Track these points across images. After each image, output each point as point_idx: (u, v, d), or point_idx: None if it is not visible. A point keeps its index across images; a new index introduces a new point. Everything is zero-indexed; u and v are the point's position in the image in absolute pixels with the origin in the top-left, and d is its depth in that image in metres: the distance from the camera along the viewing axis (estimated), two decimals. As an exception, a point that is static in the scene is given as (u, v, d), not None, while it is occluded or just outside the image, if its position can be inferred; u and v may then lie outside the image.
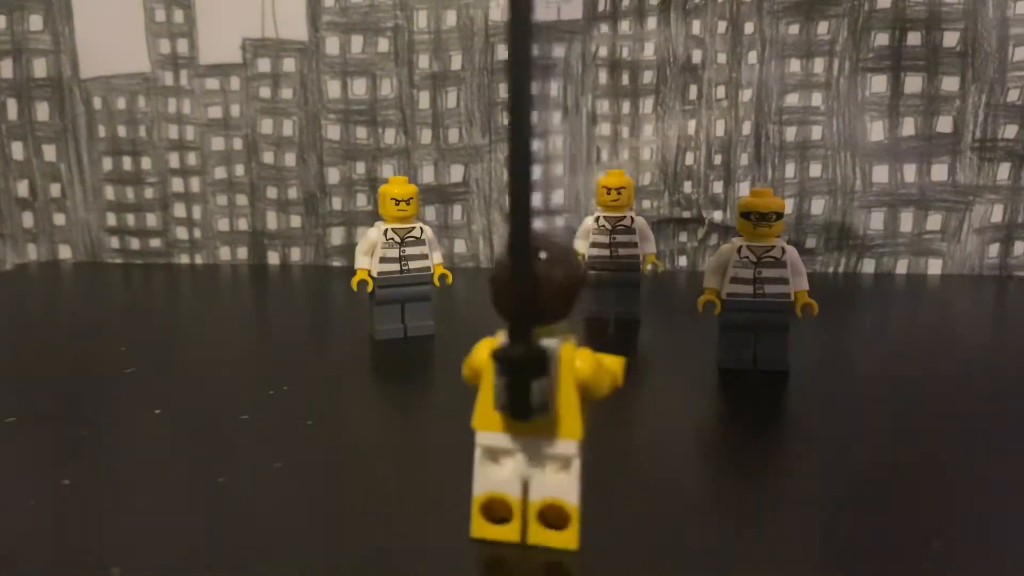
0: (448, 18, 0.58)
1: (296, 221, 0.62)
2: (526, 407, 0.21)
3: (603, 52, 0.58)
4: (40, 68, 0.61)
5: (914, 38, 0.55)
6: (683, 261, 0.60)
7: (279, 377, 0.37)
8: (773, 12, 0.56)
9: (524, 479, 0.23)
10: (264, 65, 0.60)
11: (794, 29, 0.56)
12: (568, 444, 0.22)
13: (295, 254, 0.63)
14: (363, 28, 0.59)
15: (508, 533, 0.23)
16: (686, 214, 0.59)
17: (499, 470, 0.23)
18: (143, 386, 0.36)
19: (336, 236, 0.62)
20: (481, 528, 0.23)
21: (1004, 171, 0.56)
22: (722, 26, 0.57)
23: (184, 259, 0.63)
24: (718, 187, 0.59)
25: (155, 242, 0.63)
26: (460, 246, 0.61)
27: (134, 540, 0.24)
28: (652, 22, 0.57)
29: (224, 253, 0.63)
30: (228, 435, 0.31)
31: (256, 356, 0.42)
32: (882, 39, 0.56)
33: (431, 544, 0.24)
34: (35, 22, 0.60)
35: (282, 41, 0.60)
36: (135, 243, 0.63)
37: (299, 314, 0.51)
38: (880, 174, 0.57)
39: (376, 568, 0.23)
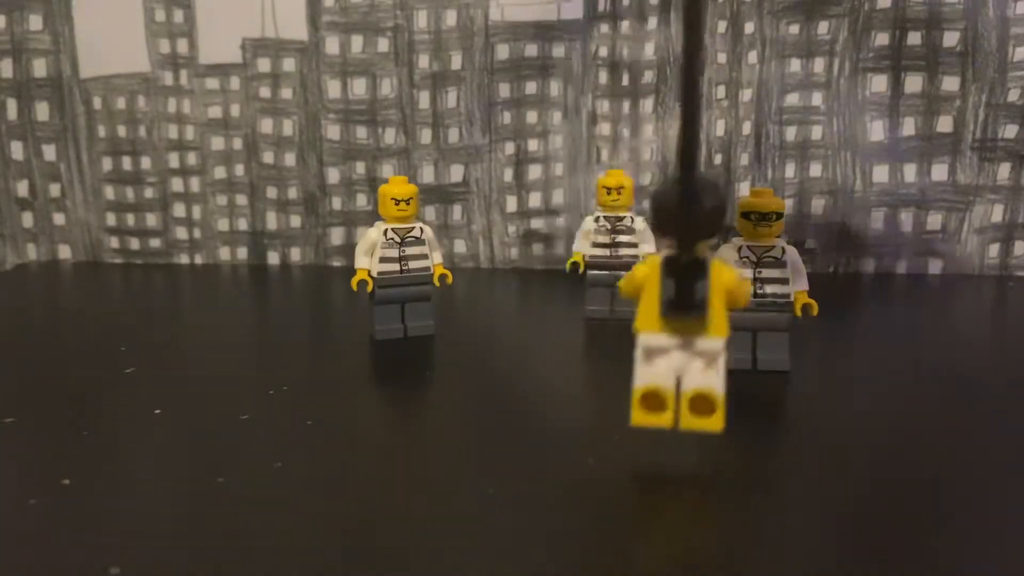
0: (448, 18, 0.58)
1: (296, 221, 0.62)
2: (691, 303, 0.26)
3: (603, 52, 0.58)
4: (40, 68, 0.61)
5: (914, 38, 0.56)
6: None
7: (279, 377, 0.37)
8: (773, 12, 0.56)
9: (678, 373, 0.27)
10: (264, 65, 0.60)
11: (794, 29, 0.56)
12: (716, 342, 0.27)
13: (295, 254, 0.63)
14: (363, 28, 0.59)
15: (663, 420, 0.27)
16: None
17: (657, 366, 0.27)
18: (143, 386, 0.36)
19: (336, 236, 0.62)
20: (640, 417, 0.28)
21: (1004, 171, 0.56)
22: (722, 26, 0.57)
23: (184, 259, 0.63)
24: (718, 187, 0.59)
25: (155, 242, 0.63)
26: (460, 246, 0.61)
27: (134, 540, 0.24)
28: (652, 22, 0.57)
29: (224, 253, 0.63)
30: (228, 435, 0.31)
31: (256, 356, 0.42)
32: (882, 39, 0.56)
33: (433, 544, 0.24)
34: (35, 22, 0.60)
35: (282, 41, 0.60)
36: (135, 243, 0.63)
37: (299, 314, 0.51)
38: (880, 174, 0.57)
39: (377, 568, 0.23)
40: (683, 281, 0.26)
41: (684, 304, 0.26)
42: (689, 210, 0.25)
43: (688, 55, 0.25)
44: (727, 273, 0.27)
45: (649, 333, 0.27)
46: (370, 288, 0.42)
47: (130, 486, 0.27)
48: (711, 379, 0.27)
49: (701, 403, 0.27)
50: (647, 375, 0.27)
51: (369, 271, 0.42)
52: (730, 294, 0.27)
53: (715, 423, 0.27)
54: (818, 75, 0.57)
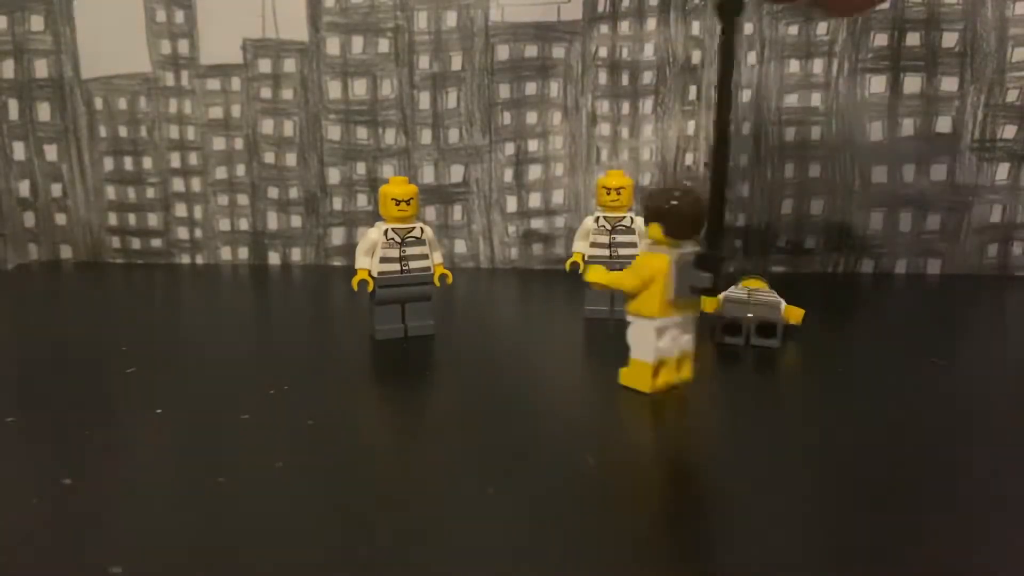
0: (448, 19, 0.58)
1: (297, 221, 0.62)
2: (717, 288, 0.33)
3: (603, 52, 0.58)
4: (41, 68, 0.61)
5: (913, 39, 0.56)
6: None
7: (279, 377, 0.37)
8: (773, 13, 0.56)
9: (673, 343, 0.34)
10: (265, 65, 0.60)
11: (793, 30, 0.56)
12: (693, 315, 0.35)
13: (296, 254, 0.63)
14: (364, 29, 0.59)
15: (666, 379, 0.35)
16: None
17: (663, 342, 0.34)
18: (144, 386, 0.36)
19: (336, 236, 0.62)
20: (652, 384, 0.34)
21: (1003, 171, 0.56)
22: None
23: (185, 259, 0.64)
24: (718, 187, 0.59)
25: (156, 242, 0.63)
26: (460, 246, 0.61)
27: (134, 540, 0.24)
28: (652, 23, 0.57)
29: (225, 253, 0.63)
30: (228, 435, 0.31)
31: (256, 356, 0.42)
32: (881, 40, 0.56)
33: (433, 543, 0.24)
34: (36, 23, 0.61)
35: (283, 42, 0.60)
36: (136, 243, 0.64)
37: (299, 314, 0.51)
38: (879, 174, 0.57)
39: (377, 567, 0.23)
40: (717, 271, 0.32)
41: (717, 287, 0.33)
42: (719, 215, 0.32)
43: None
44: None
45: (661, 317, 0.33)
46: (371, 288, 0.42)
47: (130, 486, 0.27)
48: (691, 341, 0.35)
49: (686, 360, 0.35)
50: (659, 350, 0.34)
51: (369, 271, 0.42)
52: None
53: (687, 372, 0.35)
54: (817, 76, 0.57)
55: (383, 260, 0.42)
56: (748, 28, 0.57)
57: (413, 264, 0.42)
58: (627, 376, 0.35)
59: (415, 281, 0.42)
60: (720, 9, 0.32)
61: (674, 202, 0.33)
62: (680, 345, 0.35)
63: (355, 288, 0.41)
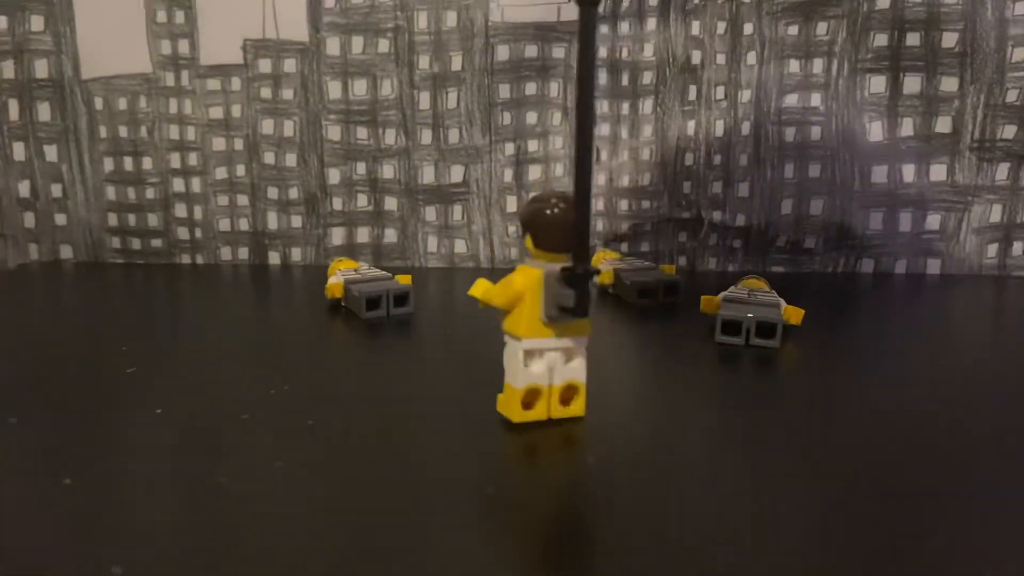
0: (448, 19, 0.58)
1: (297, 221, 0.62)
2: (587, 306, 0.29)
3: (603, 53, 0.58)
4: (41, 69, 0.61)
5: (913, 39, 0.56)
6: (682, 261, 0.60)
7: (279, 377, 0.37)
8: (772, 13, 0.56)
9: (551, 370, 0.30)
10: (265, 66, 0.60)
11: (793, 30, 0.56)
12: (583, 339, 0.31)
13: (296, 254, 0.63)
14: (364, 29, 0.59)
15: (539, 413, 0.31)
16: (686, 214, 0.59)
17: (535, 366, 0.30)
18: (144, 386, 0.36)
19: (337, 236, 0.62)
20: (521, 415, 0.30)
21: (1003, 171, 0.56)
22: (721, 27, 0.57)
23: (185, 259, 0.64)
24: (717, 187, 0.59)
25: (156, 242, 0.64)
26: (460, 246, 0.62)
27: (134, 540, 0.24)
28: (652, 23, 0.57)
29: (225, 253, 0.63)
30: (228, 435, 0.31)
31: (256, 356, 0.42)
32: (881, 40, 0.56)
33: (434, 542, 0.24)
34: (36, 23, 0.61)
35: (283, 42, 0.60)
36: (136, 243, 0.64)
37: (299, 314, 0.51)
38: (879, 174, 0.57)
39: (379, 566, 0.23)
40: (583, 288, 0.29)
41: (582, 308, 0.29)
42: (585, 228, 0.29)
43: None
44: (602, 276, 0.33)
45: (532, 338, 0.30)
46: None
47: (130, 486, 0.27)
48: (578, 370, 0.31)
49: (569, 391, 0.31)
50: (528, 376, 0.30)
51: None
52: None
53: (579, 408, 0.31)
54: (817, 76, 0.57)
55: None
56: (748, 28, 0.57)
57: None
58: (502, 402, 0.31)
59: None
60: None
61: (547, 211, 0.29)
62: (564, 374, 0.31)
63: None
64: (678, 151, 0.59)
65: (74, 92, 0.62)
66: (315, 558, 0.23)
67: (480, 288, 0.31)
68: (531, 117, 0.59)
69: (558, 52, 0.58)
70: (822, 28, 0.56)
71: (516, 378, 0.30)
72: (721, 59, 0.57)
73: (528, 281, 0.30)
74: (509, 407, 0.31)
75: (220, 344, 0.43)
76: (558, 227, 0.29)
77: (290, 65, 0.60)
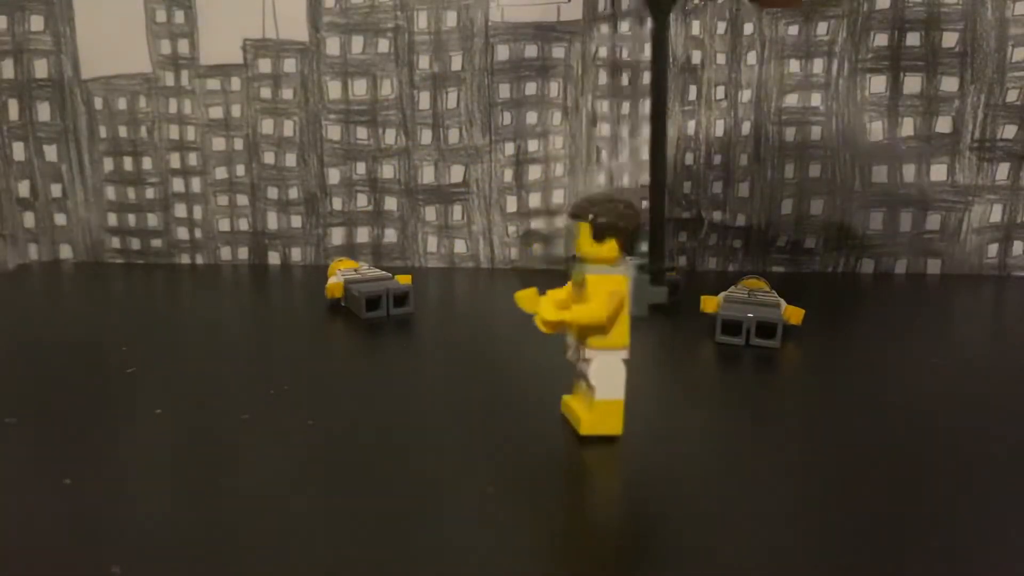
0: (448, 19, 0.58)
1: (297, 221, 0.62)
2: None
3: (603, 53, 0.58)
4: (41, 69, 0.61)
5: (913, 39, 0.56)
6: (682, 261, 0.60)
7: (279, 377, 0.37)
8: (772, 13, 0.56)
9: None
10: (265, 66, 0.60)
11: (793, 30, 0.56)
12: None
13: (296, 254, 0.63)
14: (364, 29, 0.59)
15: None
16: (686, 214, 0.59)
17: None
18: (143, 386, 0.36)
19: (337, 236, 0.62)
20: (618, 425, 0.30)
21: (1003, 171, 0.56)
22: (721, 27, 0.57)
23: (185, 259, 0.64)
24: (718, 187, 0.59)
25: (156, 242, 0.63)
26: (460, 246, 0.61)
27: (134, 540, 0.24)
28: (651, 23, 0.57)
29: (225, 253, 0.63)
30: (228, 435, 0.31)
31: (256, 356, 0.42)
32: (881, 40, 0.56)
33: (434, 542, 0.24)
34: (36, 23, 0.61)
35: (283, 42, 0.60)
36: (136, 243, 0.64)
37: (299, 314, 0.51)
38: (879, 174, 0.57)
39: (379, 566, 0.23)
40: (667, 284, 0.30)
41: (672, 302, 0.31)
42: (662, 227, 0.31)
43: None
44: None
45: (626, 348, 0.30)
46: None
47: (130, 486, 0.27)
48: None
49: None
50: (626, 384, 0.30)
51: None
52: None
53: (616, 427, 0.31)
54: (817, 76, 0.57)
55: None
56: (748, 28, 0.57)
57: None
58: (592, 424, 0.30)
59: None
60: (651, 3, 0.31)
61: (629, 212, 0.29)
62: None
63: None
64: (678, 151, 0.59)
65: (74, 92, 0.62)
66: (315, 558, 0.23)
67: (551, 310, 0.29)
68: (531, 117, 0.59)
69: (558, 52, 0.58)
70: (822, 28, 0.56)
71: (620, 388, 0.30)
72: (721, 59, 0.57)
73: (623, 289, 0.29)
74: (609, 421, 0.30)
75: (220, 344, 0.43)
76: (642, 229, 0.30)
77: (290, 65, 0.60)
